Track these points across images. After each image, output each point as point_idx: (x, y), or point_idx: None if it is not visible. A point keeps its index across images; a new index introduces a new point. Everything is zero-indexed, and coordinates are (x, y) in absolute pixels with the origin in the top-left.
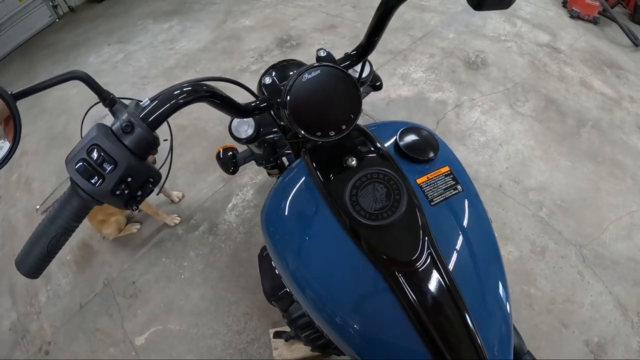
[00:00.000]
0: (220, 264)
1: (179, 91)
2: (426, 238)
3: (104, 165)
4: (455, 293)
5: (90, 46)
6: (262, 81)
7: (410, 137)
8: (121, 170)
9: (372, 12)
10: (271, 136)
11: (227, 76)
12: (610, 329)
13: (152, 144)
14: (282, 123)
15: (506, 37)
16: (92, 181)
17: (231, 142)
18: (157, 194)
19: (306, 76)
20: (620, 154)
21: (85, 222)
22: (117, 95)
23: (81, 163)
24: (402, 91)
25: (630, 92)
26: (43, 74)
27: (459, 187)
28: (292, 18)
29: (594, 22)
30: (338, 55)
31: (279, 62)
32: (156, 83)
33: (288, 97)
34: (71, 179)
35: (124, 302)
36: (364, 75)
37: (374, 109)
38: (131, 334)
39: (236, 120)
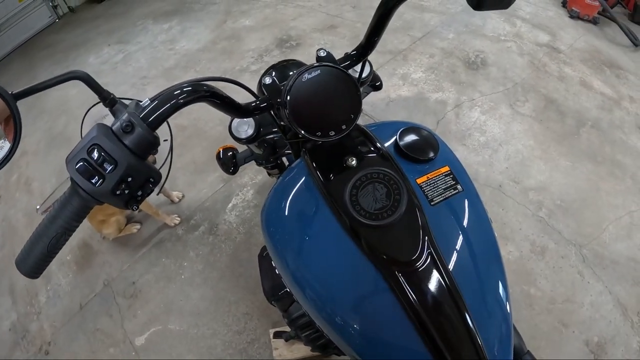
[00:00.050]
0: (220, 264)
1: (179, 91)
2: (426, 238)
3: (105, 165)
4: (455, 293)
5: (90, 46)
6: (262, 81)
7: (410, 137)
8: (121, 170)
9: (372, 12)
10: (271, 136)
11: (227, 76)
12: (610, 328)
13: (153, 144)
14: (282, 123)
15: (506, 37)
16: (93, 181)
17: (231, 142)
18: (157, 194)
19: (306, 76)
20: (620, 154)
21: (85, 222)
22: (116, 95)
23: (82, 163)
24: (402, 91)
25: (630, 92)
26: (43, 74)
27: (458, 187)
28: (292, 18)
29: (594, 22)
30: (338, 55)
31: (279, 62)
32: (156, 83)
33: (288, 97)
34: (71, 179)
35: (124, 302)
36: (364, 75)
37: (373, 109)
38: (131, 334)
39: (236, 121)
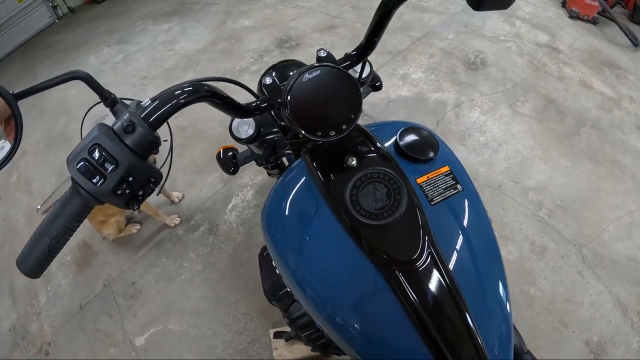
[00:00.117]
0: (220, 265)
1: (179, 91)
2: (426, 237)
3: (106, 164)
4: (455, 293)
5: (90, 47)
6: (263, 81)
7: (410, 137)
8: (122, 170)
9: (372, 13)
10: (271, 136)
11: (227, 76)
12: (610, 328)
13: (154, 144)
14: (282, 123)
15: (505, 37)
16: (94, 181)
17: (231, 143)
18: (157, 195)
19: (306, 76)
20: (620, 153)
21: (86, 222)
22: (117, 95)
23: (82, 163)
24: (401, 91)
25: (629, 92)
26: (43, 74)
27: (458, 186)
28: (292, 18)
29: (593, 22)
30: (338, 55)
31: (279, 63)
32: (156, 84)
33: (288, 97)
34: (72, 179)
35: (124, 302)
36: (364, 75)
37: (373, 109)
38: (131, 334)
39: (236, 121)
